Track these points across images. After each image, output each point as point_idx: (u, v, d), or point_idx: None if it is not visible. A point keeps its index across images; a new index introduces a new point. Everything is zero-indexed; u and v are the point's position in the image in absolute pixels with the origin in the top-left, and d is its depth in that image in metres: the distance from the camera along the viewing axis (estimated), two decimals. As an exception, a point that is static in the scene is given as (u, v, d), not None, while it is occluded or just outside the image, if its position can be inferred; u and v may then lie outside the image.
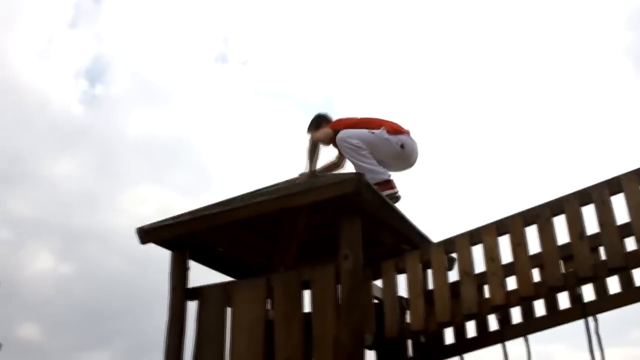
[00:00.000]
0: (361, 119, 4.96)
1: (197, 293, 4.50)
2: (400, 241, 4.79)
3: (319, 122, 5.19)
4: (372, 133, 4.76)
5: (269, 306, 4.33)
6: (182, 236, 4.58)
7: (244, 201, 4.36)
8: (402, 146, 4.82)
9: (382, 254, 4.71)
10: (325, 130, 4.97)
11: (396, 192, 4.68)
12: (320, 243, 5.39)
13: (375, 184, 4.45)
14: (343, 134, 4.79)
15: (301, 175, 4.84)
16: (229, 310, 4.37)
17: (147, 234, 4.62)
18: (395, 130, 4.87)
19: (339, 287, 4.06)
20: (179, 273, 4.58)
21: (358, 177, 3.97)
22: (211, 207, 4.55)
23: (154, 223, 4.63)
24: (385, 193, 4.48)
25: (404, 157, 4.90)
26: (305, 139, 5.04)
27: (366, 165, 4.62)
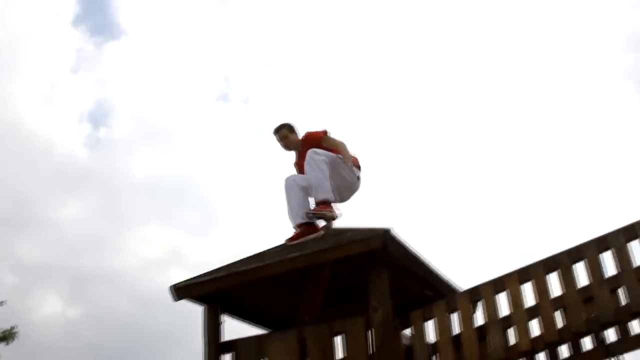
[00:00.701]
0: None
1: (231, 347, 4.66)
2: (423, 287, 4.97)
3: (293, 129, 5.50)
4: (340, 159, 5.06)
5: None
6: (214, 292, 4.75)
7: (277, 257, 4.56)
8: (358, 178, 5.24)
9: (405, 299, 4.91)
10: (317, 137, 5.24)
11: (334, 215, 4.97)
12: (344, 291, 5.57)
13: (320, 202, 4.89)
14: (317, 150, 5.05)
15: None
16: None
17: (181, 291, 4.79)
18: (356, 164, 5.25)
19: (370, 335, 4.23)
20: (212, 327, 4.74)
21: (384, 233, 4.16)
22: (242, 263, 4.74)
23: (187, 280, 4.80)
24: (324, 212, 4.86)
25: (354, 189, 5.29)
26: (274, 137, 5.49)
27: (322, 179, 4.91)
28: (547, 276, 4.12)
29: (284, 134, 5.47)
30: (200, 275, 4.75)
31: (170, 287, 4.80)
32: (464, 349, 4.14)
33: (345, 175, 5.10)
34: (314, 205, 5.01)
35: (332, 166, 5.01)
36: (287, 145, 5.48)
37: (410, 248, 4.47)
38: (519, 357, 4.20)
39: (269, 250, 4.94)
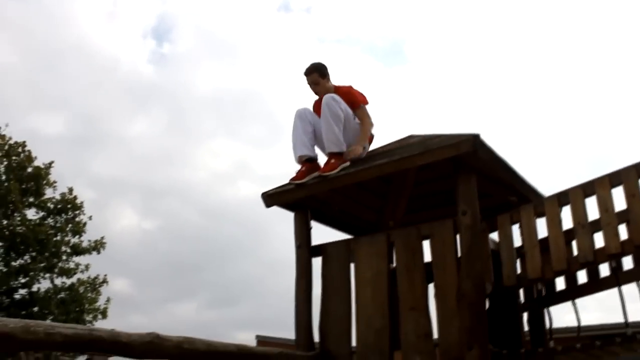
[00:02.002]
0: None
1: (321, 250, 4.88)
2: (508, 193, 5.02)
3: (324, 73, 5.23)
4: (355, 120, 5.04)
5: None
6: (303, 198, 4.94)
7: (363, 164, 4.68)
8: (364, 149, 5.09)
9: (489, 205, 4.98)
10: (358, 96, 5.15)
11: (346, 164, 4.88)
12: (427, 198, 5.69)
13: (331, 153, 4.87)
14: (336, 97, 4.94)
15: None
16: (352, 265, 4.75)
17: (271, 198, 5.00)
18: (370, 140, 5.19)
19: (458, 240, 4.35)
20: (303, 232, 4.96)
21: (474, 137, 4.19)
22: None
23: (277, 187, 5.00)
24: (340, 164, 4.81)
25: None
26: (306, 78, 5.23)
27: (335, 130, 4.86)
28: (639, 180, 4.10)
29: (315, 79, 5.17)
30: (289, 182, 4.93)
31: (262, 194, 5.00)
32: (551, 252, 4.22)
33: (351, 137, 5.02)
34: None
35: (346, 120, 4.95)
36: (318, 92, 5.19)
37: (498, 153, 4.50)
38: (606, 260, 4.27)
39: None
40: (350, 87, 5.20)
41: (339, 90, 5.14)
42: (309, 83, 5.20)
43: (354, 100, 5.08)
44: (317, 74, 5.17)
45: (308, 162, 4.97)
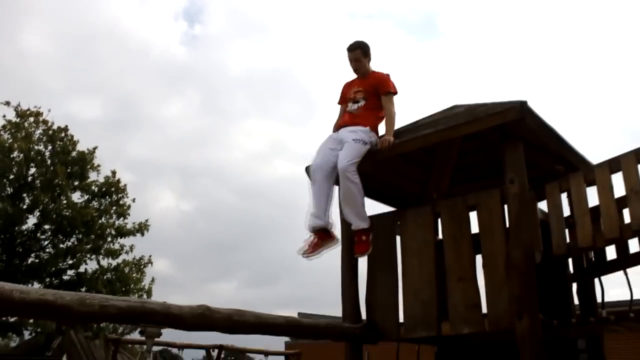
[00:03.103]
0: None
1: (368, 222, 4.86)
2: (555, 162, 4.92)
3: (367, 52, 5.13)
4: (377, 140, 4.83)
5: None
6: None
7: (407, 135, 4.63)
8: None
9: (536, 174, 4.88)
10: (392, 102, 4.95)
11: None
12: (471, 168, 5.61)
13: (361, 230, 4.65)
14: (352, 159, 4.61)
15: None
16: (398, 236, 4.73)
17: (315, 171, 4.97)
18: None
19: (505, 209, 4.28)
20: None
21: (521, 105, 4.11)
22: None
23: (321, 160, 4.97)
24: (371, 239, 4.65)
25: None
26: (354, 54, 5.07)
27: (360, 207, 4.69)
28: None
29: (358, 56, 5.08)
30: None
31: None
32: (602, 220, 4.12)
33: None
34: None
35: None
36: (357, 69, 5.12)
37: (545, 120, 4.40)
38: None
39: (397, 129, 4.98)
40: (387, 75, 5.06)
41: (374, 74, 5.09)
42: (350, 59, 5.13)
43: (386, 86, 4.97)
44: (360, 52, 5.10)
45: (321, 232, 4.74)
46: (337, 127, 5.00)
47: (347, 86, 5.20)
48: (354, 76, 5.20)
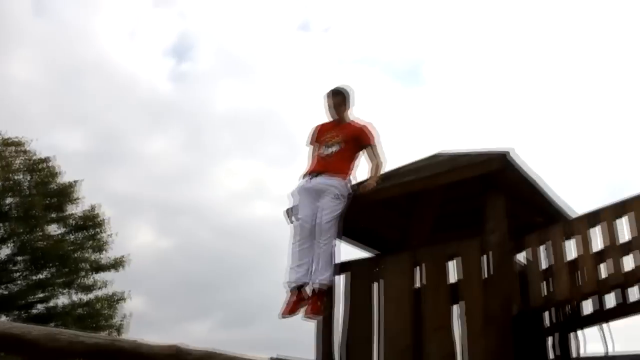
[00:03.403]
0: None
1: (347, 267, 4.82)
2: (534, 214, 4.94)
3: (347, 100, 5.05)
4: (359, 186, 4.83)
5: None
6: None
7: (393, 180, 4.64)
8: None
9: (515, 225, 4.89)
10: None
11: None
12: (453, 217, 5.61)
13: (320, 291, 4.53)
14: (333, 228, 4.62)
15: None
16: (376, 283, 4.69)
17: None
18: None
19: (484, 259, 4.28)
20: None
21: (503, 156, 4.15)
22: (353, 187, 4.83)
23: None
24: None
25: None
26: (327, 100, 5.00)
27: (331, 271, 4.64)
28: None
29: (339, 102, 4.99)
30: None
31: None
32: (581, 273, 4.13)
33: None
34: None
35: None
36: (336, 114, 5.00)
37: (527, 172, 4.44)
38: (638, 282, 4.17)
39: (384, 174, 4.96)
40: (367, 125, 5.01)
41: (354, 123, 5.02)
42: (330, 103, 5.01)
43: (367, 138, 4.94)
44: (342, 99, 5.03)
45: (298, 291, 4.59)
46: (310, 172, 4.85)
47: (322, 128, 5.07)
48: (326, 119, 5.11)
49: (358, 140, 4.93)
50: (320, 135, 5.03)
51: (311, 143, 5.10)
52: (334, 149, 4.87)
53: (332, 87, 5.07)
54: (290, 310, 4.54)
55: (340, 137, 4.90)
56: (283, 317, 4.56)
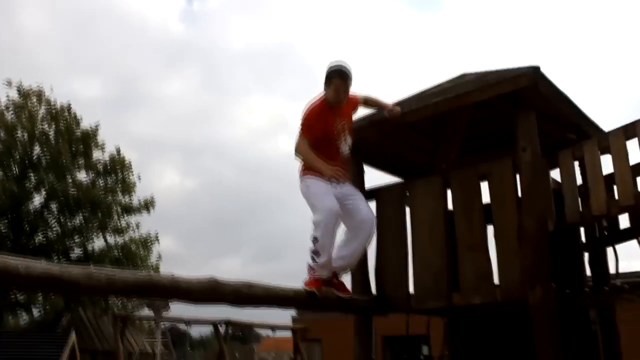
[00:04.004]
0: None
1: (376, 193, 4.79)
2: (567, 130, 4.82)
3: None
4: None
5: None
6: (355, 142, 4.77)
7: (416, 103, 4.53)
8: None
9: (547, 143, 4.78)
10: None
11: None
12: (481, 138, 5.51)
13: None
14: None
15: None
16: (407, 207, 4.65)
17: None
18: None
19: (517, 178, 4.20)
20: (357, 177, 4.85)
21: (534, 70, 4.00)
22: (380, 113, 4.73)
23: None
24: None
25: None
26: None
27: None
28: None
29: (349, 87, 4.36)
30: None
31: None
32: (617, 187, 4.03)
33: None
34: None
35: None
36: (340, 99, 4.34)
37: (558, 87, 4.29)
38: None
39: (404, 99, 4.87)
40: (355, 96, 4.56)
41: (348, 102, 4.45)
42: (344, 86, 4.31)
43: (357, 103, 4.60)
44: (351, 83, 4.39)
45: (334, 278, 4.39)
46: (334, 173, 4.21)
47: (319, 117, 4.30)
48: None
49: (355, 109, 4.62)
50: (320, 125, 4.30)
51: (307, 135, 4.29)
52: (349, 141, 4.47)
53: (341, 67, 4.32)
54: (314, 284, 4.21)
55: (346, 124, 4.46)
56: (306, 288, 4.19)
